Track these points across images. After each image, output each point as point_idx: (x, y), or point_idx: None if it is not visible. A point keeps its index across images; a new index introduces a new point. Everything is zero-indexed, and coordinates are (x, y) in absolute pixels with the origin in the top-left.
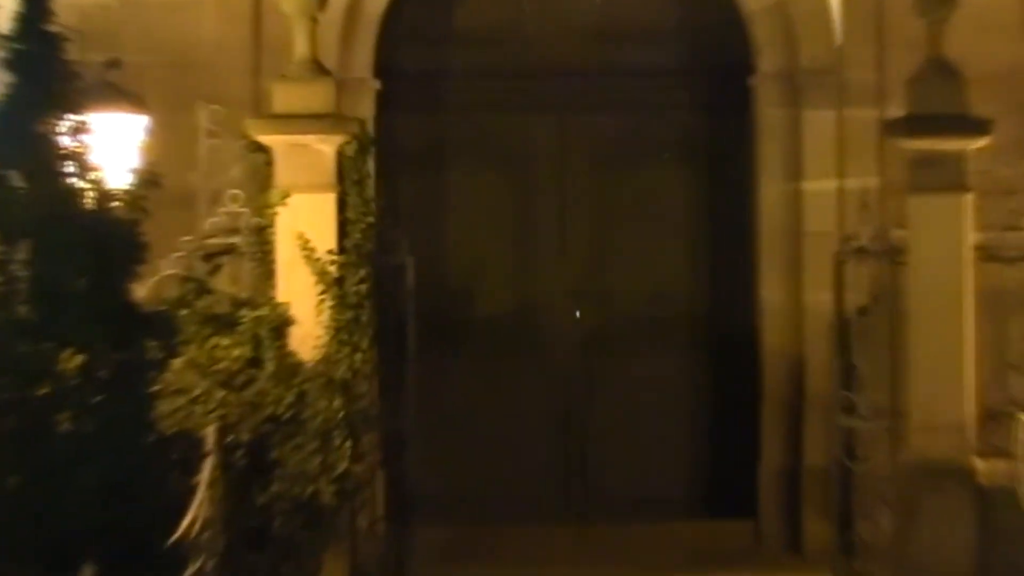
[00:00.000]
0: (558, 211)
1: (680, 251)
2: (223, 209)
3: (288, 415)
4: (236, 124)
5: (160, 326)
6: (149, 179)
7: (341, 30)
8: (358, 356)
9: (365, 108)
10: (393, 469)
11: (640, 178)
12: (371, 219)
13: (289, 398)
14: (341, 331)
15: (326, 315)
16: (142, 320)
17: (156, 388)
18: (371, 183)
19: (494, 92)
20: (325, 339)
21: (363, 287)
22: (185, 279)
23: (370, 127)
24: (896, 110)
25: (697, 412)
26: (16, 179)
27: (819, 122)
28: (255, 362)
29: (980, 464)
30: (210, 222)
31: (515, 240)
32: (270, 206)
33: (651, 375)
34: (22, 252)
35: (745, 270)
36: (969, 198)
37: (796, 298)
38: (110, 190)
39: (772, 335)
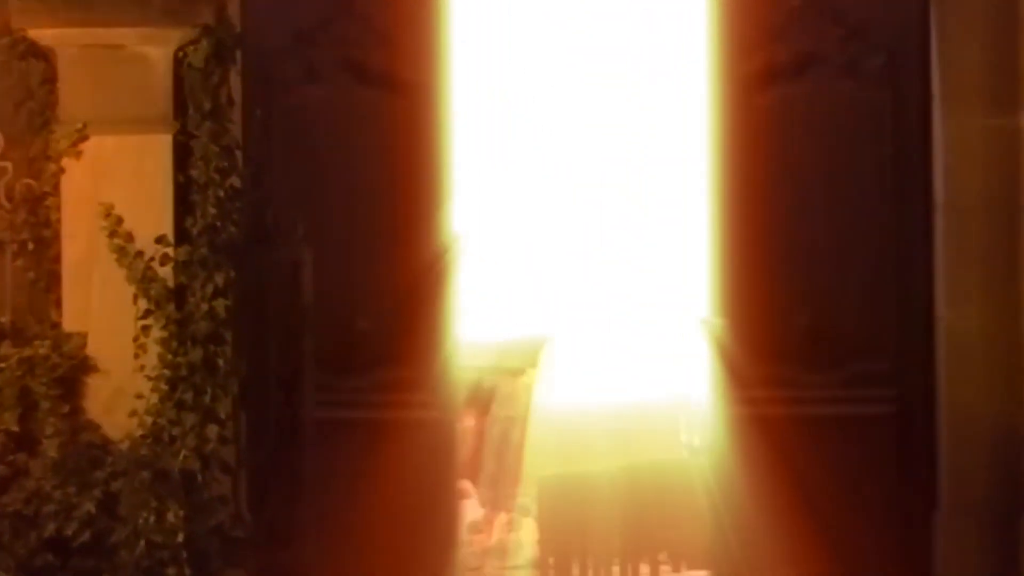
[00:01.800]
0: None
1: (791, 237)
2: None
3: (85, 537)
4: None
5: None
6: None
7: None
8: (211, 430)
9: None
10: None
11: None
12: (236, 181)
13: (87, 507)
14: (182, 385)
15: (153, 356)
16: None
17: None
18: (236, 116)
19: None
20: (153, 400)
21: (221, 305)
22: None
23: (235, 15)
24: None
25: (817, 524)
26: None
27: None
28: (24, 441)
29: None
30: None
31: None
32: (52, 158)
33: (731, 449)
34: None
35: (911, 274)
36: None
37: (1008, 324)
38: None
39: (961, 389)
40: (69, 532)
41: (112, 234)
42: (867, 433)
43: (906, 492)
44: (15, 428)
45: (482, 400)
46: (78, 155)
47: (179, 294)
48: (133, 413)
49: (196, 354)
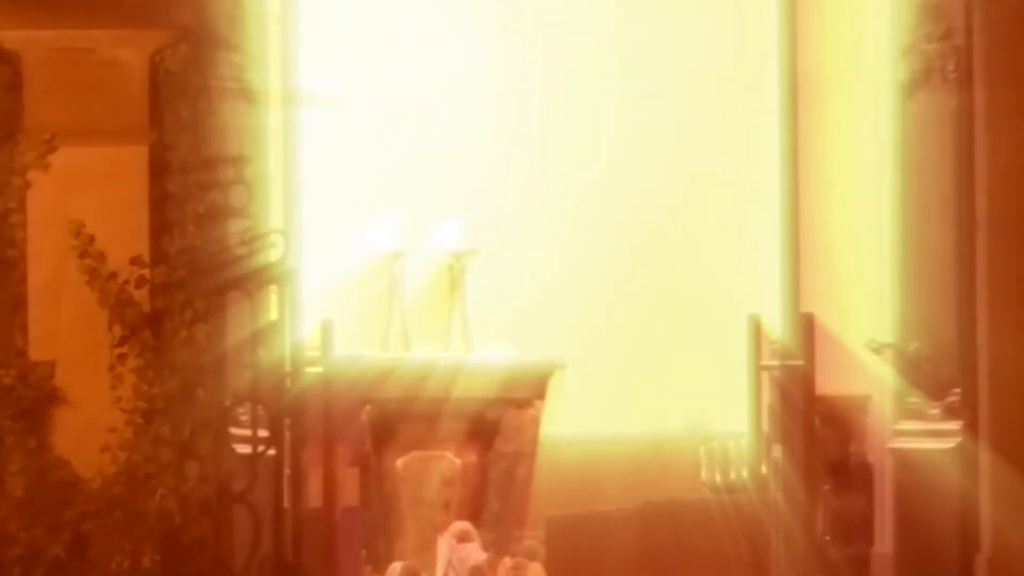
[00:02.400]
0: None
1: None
2: None
3: None
4: None
5: None
6: None
7: None
8: (191, 467)
9: None
10: None
11: None
12: (217, 196)
13: (55, 550)
14: (158, 418)
15: (128, 386)
16: None
17: None
18: (217, 124)
19: None
20: (127, 434)
21: (201, 331)
22: None
23: (216, 17)
24: None
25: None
26: None
27: None
28: None
29: None
30: None
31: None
32: (18, 171)
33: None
34: None
35: (947, 296)
36: None
37: None
38: None
39: (1003, 424)
40: None
41: (83, 254)
42: (930, 468)
43: (935, 539)
44: None
45: (485, 434)
46: (46, 168)
47: (156, 319)
48: (105, 448)
49: (174, 384)
